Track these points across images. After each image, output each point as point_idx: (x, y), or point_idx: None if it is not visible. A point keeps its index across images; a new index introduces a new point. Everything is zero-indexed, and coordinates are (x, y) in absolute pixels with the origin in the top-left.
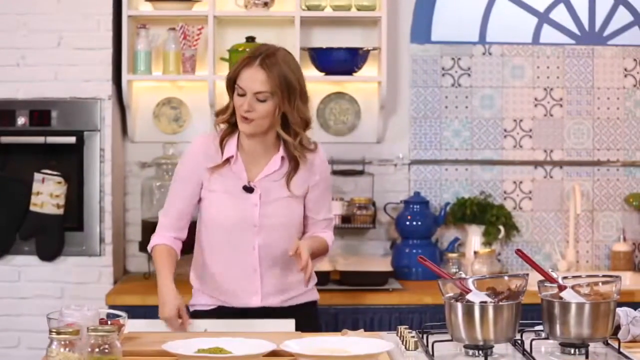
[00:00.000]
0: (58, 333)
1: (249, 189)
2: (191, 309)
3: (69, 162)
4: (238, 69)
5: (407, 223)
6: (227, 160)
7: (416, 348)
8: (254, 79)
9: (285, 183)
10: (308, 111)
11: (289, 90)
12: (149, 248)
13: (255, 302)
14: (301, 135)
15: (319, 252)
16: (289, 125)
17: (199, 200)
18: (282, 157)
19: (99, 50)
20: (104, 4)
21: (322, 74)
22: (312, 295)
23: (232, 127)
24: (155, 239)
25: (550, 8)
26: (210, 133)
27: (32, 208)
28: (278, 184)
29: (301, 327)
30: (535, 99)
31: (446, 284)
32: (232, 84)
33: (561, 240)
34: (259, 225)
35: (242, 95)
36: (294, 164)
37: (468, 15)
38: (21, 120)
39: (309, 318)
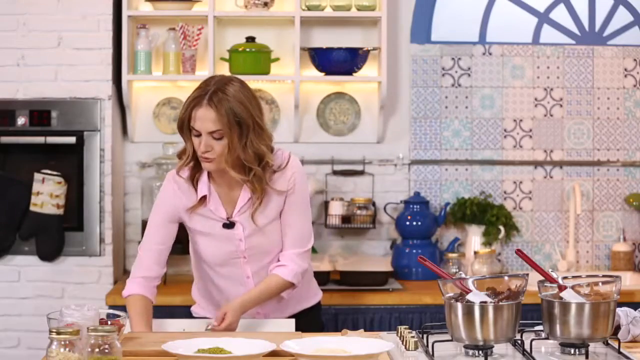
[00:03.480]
0: (58, 333)
1: (229, 225)
2: (195, 315)
3: (69, 162)
4: (188, 110)
5: (407, 223)
6: (203, 199)
7: (416, 348)
8: (205, 118)
9: (260, 212)
10: (264, 141)
11: (240, 126)
12: (124, 294)
13: (256, 314)
14: (255, 170)
15: (266, 298)
16: (242, 162)
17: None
18: (249, 196)
19: (99, 50)
20: (104, 4)
21: (322, 74)
22: (314, 299)
23: (197, 167)
24: (130, 287)
25: (550, 8)
26: (185, 169)
27: (32, 208)
28: (254, 215)
29: (303, 328)
30: (535, 99)
31: (446, 284)
32: (185, 125)
33: (561, 240)
34: (248, 256)
35: (198, 135)
36: (260, 196)
37: (468, 15)
38: (21, 121)
39: (311, 319)
